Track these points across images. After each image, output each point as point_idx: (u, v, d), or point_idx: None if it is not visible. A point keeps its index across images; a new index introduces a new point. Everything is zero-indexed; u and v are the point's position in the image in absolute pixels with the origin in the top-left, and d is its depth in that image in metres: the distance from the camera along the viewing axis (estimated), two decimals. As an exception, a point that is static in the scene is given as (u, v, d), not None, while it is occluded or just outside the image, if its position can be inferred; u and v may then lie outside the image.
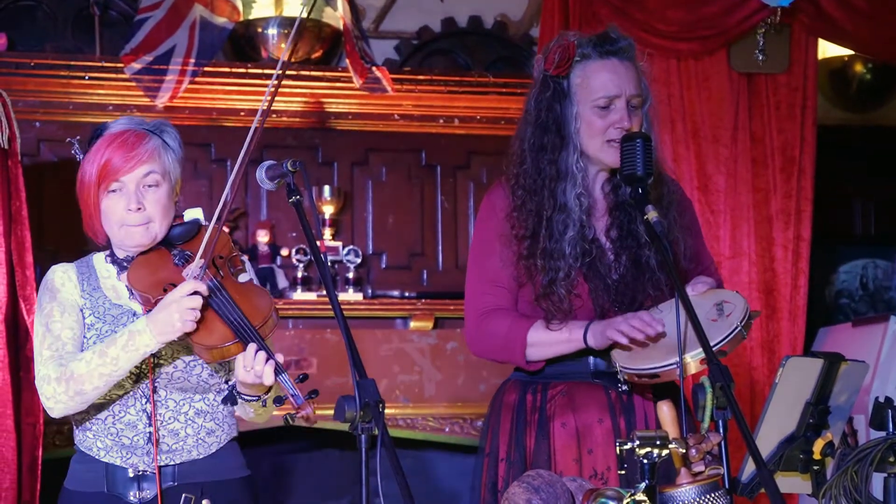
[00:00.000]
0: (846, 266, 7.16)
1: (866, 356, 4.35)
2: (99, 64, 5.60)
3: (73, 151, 3.22)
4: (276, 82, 3.11)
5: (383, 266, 5.98)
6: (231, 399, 3.03)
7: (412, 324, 5.85)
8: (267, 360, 2.90)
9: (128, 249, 3.13)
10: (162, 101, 5.55)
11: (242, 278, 3.19)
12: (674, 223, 3.39)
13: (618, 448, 2.64)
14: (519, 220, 3.43)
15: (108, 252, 3.19)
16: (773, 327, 5.79)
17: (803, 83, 5.89)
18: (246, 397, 3.03)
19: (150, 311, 2.98)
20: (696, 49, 5.80)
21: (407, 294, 5.85)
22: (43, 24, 5.89)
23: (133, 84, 5.54)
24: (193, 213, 3.22)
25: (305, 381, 2.89)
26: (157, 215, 3.08)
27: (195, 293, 2.93)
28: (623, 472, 2.71)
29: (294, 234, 5.87)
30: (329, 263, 5.71)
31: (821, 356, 3.13)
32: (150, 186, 3.08)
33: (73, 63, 5.58)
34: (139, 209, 3.06)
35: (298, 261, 5.70)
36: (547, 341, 3.38)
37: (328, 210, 5.81)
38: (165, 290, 2.98)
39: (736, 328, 3.16)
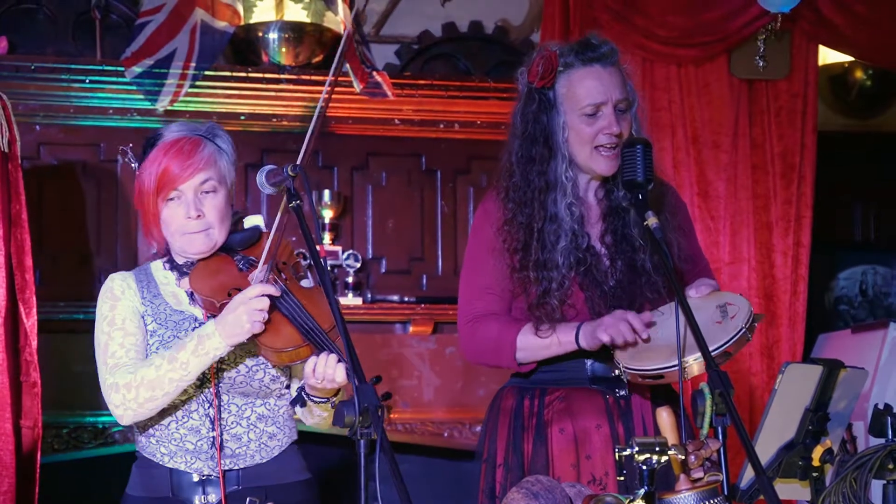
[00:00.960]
0: (846, 272, 7.16)
1: (865, 363, 4.35)
2: (100, 67, 5.60)
3: (126, 160, 3.24)
4: (328, 88, 3.13)
5: (383, 271, 5.98)
6: (300, 401, 3.09)
7: (411, 328, 5.85)
8: (338, 361, 2.93)
9: (189, 256, 3.16)
10: (162, 104, 5.55)
11: (305, 284, 3.22)
12: (668, 225, 3.39)
13: (617, 454, 2.64)
14: (510, 234, 3.43)
15: (166, 259, 3.22)
16: (772, 333, 5.80)
17: (804, 89, 5.89)
18: (315, 399, 3.07)
19: (215, 315, 3.01)
20: (696, 55, 5.80)
21: (406, 299, 5.85)
22: (44, 28, 5.89)
23: (134, 88, 5.53)
24: (254, 220, 3.27)
25: (379, 383, 2.90)
26: (216, 221, 3.12)
27: (263, 295, 2.96)
28: (622, 478, 2.72)
29: (294, 239, 5.86)
30: (329, 268, 5.69)
31: (820, 363, 3.13)
32: (207, 193, 3.11)
33: (73, 66, 5.57)
34: (199, 216, 3.09)
35: (298, 265, 5.70)
36: (538, 345, 3.38)
37: (328, 214, 5.81)
38: (230, 295, 3.01)
39: (741, 330, 3.16)
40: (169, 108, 5.58)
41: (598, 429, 3.39)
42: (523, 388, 3.50)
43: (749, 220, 5.81)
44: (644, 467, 2.59)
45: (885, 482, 3.12)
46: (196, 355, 2.97)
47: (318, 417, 3.19)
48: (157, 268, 3.23)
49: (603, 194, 3.50)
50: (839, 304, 7.13)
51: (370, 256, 5.96)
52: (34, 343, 4.71)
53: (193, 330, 3.08)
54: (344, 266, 5.76)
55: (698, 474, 2.76)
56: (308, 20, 5.89)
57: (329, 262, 5.69)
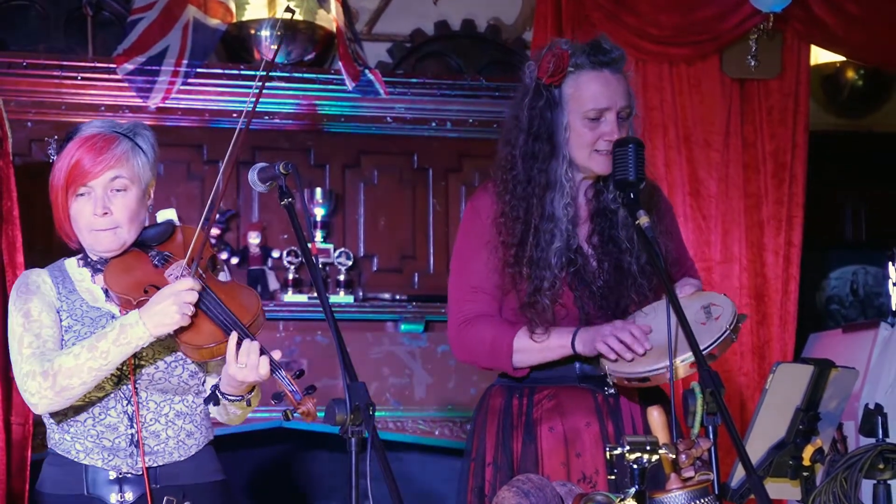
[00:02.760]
0: (836, 272, 7.17)
1: (856, 362, 4.36)
2: (91, 64, 5.59)
3: (48, 150, 3.22)
4: (259, 84, 3.11)
5: (374, 268, 5.97)
6: (214, 399, 3.05)
7: (403, 326, 5.85)
8: (261, 353, 2.91)
9: (98, 253, 3.13)
10: (154, 102, 5.54)
11: (222, 277, 3.21)
12: (657, 225, 3.39)
13: (608, 453, 2.64)
14: (506, 227, 3.43)
15: (80, 256, 3.19)
16: (763, 333, 5.80)
17: (795, 89, 5.90)
18: (230, 398, 3.04)
19: (132, 311, 2.98)
20: (688, 54, 5.80)
21: (398, 296, 5.84)
22: (35, 25, 5.88)
23: (125, 85, 5.52)
24: (166, 214, 3.24)
25: (302, 376, 2.90)
26: (125, 220, 3.08)
27: (192, 289, 2.93)
28: (613, 477, 2.72)
29: (285, 236, 5.86)
30: (320, 266, 5.70)
31: (811, 362, 3.14)
32: (117, 191, 3.07)
33: (65, 63, 5.56)
34: (105, 214, 3.05)
35: (290, 263, 5.70)
36: (535, 348, 3.38)
37: (320, 212, 5.80)
38: (146, 292, 2.99)
39: (725, 331, 3.16)
40: (161, 105, 5.57)
41: (587, 427, 3.39)
42: (512, 386, 3.50)
43: (740, 220, 5.81)
44: (635, 466, 2.60)
45: (875, 482, 3.13)
46: (117, 344, 2.93)
47: (230, 415, 3.17)
48: (72, 265, 3.20)
49: (593, 194, 3.50)
50: (830, 303, 7.14)
51: (362, 254, 5.96)
52: (25, 340, 4.69)
53: None
54: (335, 264, 5.76)
55: (689, 473, 2.76)
56: (300, 18, 5.89)
57: (321, 260, 5.69)
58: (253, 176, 3.01)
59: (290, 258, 5.69)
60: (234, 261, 5.71)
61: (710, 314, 3.23)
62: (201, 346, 2.96)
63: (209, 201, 3.00)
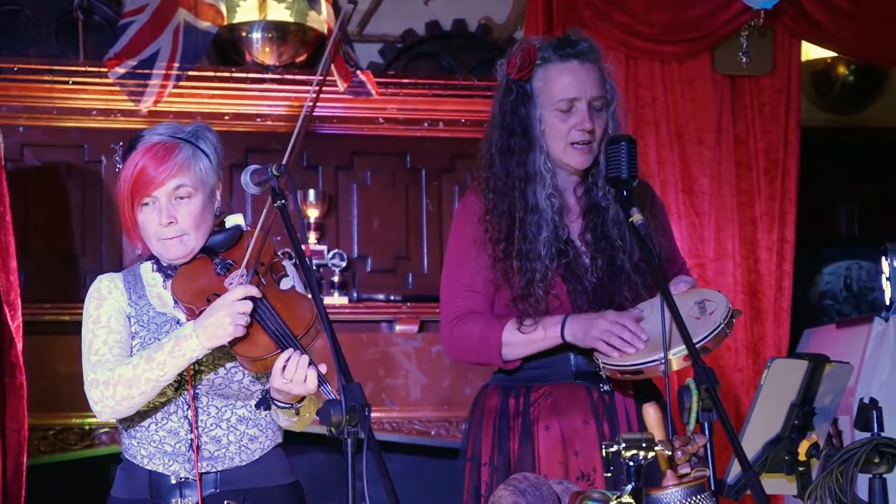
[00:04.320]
0: (830, 267, 7.19)
1: (851, 357, 4.36)
2: (83, 68, 5.58)
3: (115, 159, 3.22)
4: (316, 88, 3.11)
5: (368, 269, 5.97)
6: (264, 403, 3.06)
7: (397, 327, 5.85)
8: (310, 365, 2.90)
9: (168, 260, 3.14)
10: (146, 105, 5.54)
11: (285, 284, 3.19)
12: (650, 222, 3.39)
13: (604, 450, 2.64)
14: (492, 223, 3.44)
15: (154, 260, 3.19)
16: (757, 329, 5.81)
17: (787, 85, 5.91)
18: (279, 403, 3.03)
19: (195, 319, 2.98)
20: (679, 52, 5.81)
21: (392, 297, 5.84)
22: (27, 29, 5.87)
23: (117, 88, 5.51)
24: (235, 219, 3.22)
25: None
26: (191, 227, 3.08)
27: (246, 297, 2.93)
28: (609, 474, 2.72)
29: (279, 238, 5.86)
30: (314, 267, 5.69)
31: (805, 358, 3.14)
32: (182, 199, 3.07)
33: (56, 68, 5.56)
34: (171, 223, 3.06)
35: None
36: (523, 340, 3.38)
37: (313, 214, 5.80)
38: (209, 301, 2.98)
39: (719, 325, 3.17)
40: (153, 108, 5.57)
41: (584, 424, 3.39)
42: (507, 386, 3.50)
43: (734, 216, 5.82)
44: (631, 463, 2.60)
45: (870, 476, 3.13)
46: (173, 356, 2.94)
47: (284, 422, 3.17)
48: (147, 269, 3.22)
49: (582, 192, 3.51)
50: (824, 299, 7.16)
51: (355, 255, 5.96)
52: (19, 345, 4.70)
53: None
54: (329, 265, 5.76)
55: (685, 470, 2.76)
56: (291, 20, 5.89)
57: (314, 262, 5.68)
58: (246, 178, 3.01)
59: (283, 260, 5.68)
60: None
61: (704, 309, 3.23)
62: (255, 358, 2.95)
63: (266, 206, 2.98)
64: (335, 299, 5.72)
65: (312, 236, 5.81)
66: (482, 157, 3.52)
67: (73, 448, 5.47)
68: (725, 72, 5.87)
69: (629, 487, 2.60)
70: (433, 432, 5.86)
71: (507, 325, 3.40)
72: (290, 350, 2.92)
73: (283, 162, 2.95)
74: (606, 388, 3.42)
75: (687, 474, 2.76)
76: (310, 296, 2.94)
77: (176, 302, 3.11)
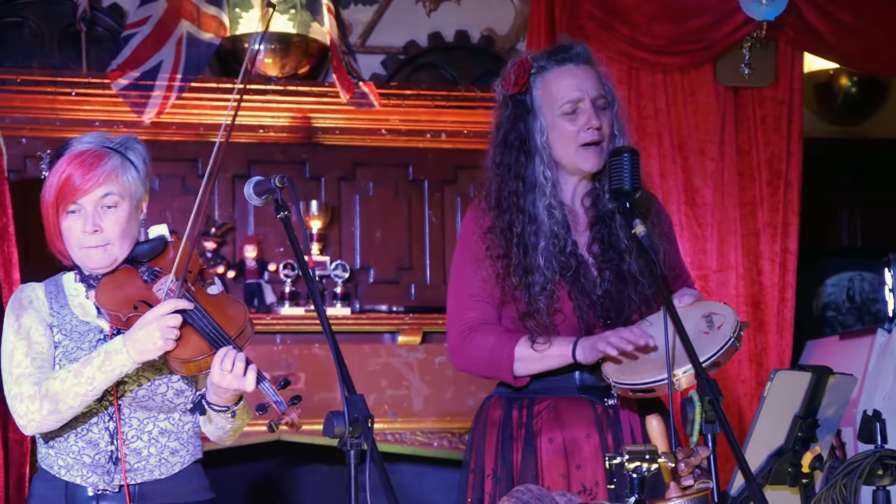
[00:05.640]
0: (833, 279, 7.18)
1: (854, 369, 4.35)
2: (85, 80, 5.60)
3: (40, 166, 3.20)
4: (237, 96, 3.12)
5: (371, 281, 5.97)
6: (199, 408, 3.03)
7: (400, 338, 5.85)
8: (246, 363, 2.89)
9: (90, 270, 3.12)
10: (149, 116, 5.55)
11: (212, 290, 3.19)
12: (653, 234, 3.38)
13: (607, 462, 2.64)
14: (493, 241, 3.43)
15: (77, 270, 3.17)
16: (760, 340, 5.80)
17: (789, 97, 5.91)
18: (215, 408, 3.01)
19: (121, 329, 2.97)
20: (682, 63, 5.82)
21: (395, 308, 5.84)
22: (29, 41, 5.88)
23: (120, 100, 5.53)
24: (158, 230, 3.21)
25: (287, 387, 2.89)
26: (116, 237, 3.06)
27: (175, 311, 2.91)
28: (612, 486, 2.71)
29: (282, 249, 5.87)
30: (317, 278, 5.70)
31: (809, 369, 3.13)
32: (108, 207, 3.05)
33: (59, 79, 5.57)
34: (95, 231, 3.04)
35: (286, 276, 5.70)
36: (535, 357, 3.37)
37: (316, 225, 5.81)
38: (136, 308, 2.97)
39: (730, 339, 3.16)
40: (155, 119, 5.58)
41: (587, 438, 3.38)
42: (511, 398, 3.49)
43: (736, 228, 5.82)
44: (634, 475, 2.59)
45: (874, 488, 3.12)
46: (102, 371, 2.91)
47: (219, 430, 3.15)
48: (69, 279, 3.19)
49: (590, 203, 3.50)
50: (827, 310, 7.15)
51: (358, 266, 5.96)
52: (22, 356, 4.69)
53: (98, 341, 3.04)
54: (332, 276, 5.76)
55: (688, 482, 2.76)
56: (294, 31, 5.90)
57: (317, 273, 5.68)
58: (249, 190, 3.00)
59: (286, 271, 5.69)
60: (231, 274, 5.71)
61: (711, 323, 3.22)
62: (188, 359, 2.93)
63: (192, 215, 2.98)
64: (338, 310, 5.72)
65: (315, 247, 5.82)
66: (484, 175, 3.53)
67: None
68: (728, 83, 5.87)
69: (632, 499, 2.60)
70: (436, 443, 5.85)
71: (519, 341, 3.38)
72: (227, 347, 2.91)
73: (209, 170, 2.93)
74: (611, 402, 3.41)
75: (690, 486, 2.75)
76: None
77: (99, 311, 3.08)
